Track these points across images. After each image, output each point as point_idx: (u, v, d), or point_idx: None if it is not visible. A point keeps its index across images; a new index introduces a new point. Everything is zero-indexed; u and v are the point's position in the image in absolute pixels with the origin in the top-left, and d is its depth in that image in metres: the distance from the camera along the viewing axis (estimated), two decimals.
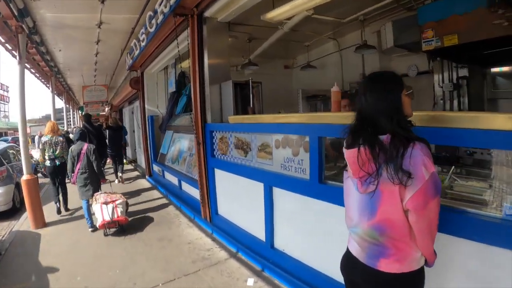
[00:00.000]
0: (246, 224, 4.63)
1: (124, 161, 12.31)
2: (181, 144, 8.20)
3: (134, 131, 14.68)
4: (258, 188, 4.09)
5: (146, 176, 10.55)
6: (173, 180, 8.06)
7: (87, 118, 10.23)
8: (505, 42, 4.17)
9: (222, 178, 5.17)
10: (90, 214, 5.81)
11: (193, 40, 5.39)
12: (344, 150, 1.76)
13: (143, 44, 7.52)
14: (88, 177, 5.89)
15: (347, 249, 1.90)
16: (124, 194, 6.71)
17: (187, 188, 7.00)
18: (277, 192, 3.86)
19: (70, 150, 6.09)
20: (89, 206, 5.85)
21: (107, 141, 10.69)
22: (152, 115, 9.99)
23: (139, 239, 5.35)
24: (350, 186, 1.81)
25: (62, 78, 14.29)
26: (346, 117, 2.97)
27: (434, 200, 1.55)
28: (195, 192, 6.22)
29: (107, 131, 10.77)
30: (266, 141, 3.96)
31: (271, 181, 3.90)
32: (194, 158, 6.72)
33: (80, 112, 22.71)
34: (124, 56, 10.36)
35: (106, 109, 18.12)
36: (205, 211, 5.59)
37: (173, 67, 8.19)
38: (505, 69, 5.15)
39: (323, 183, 3.19)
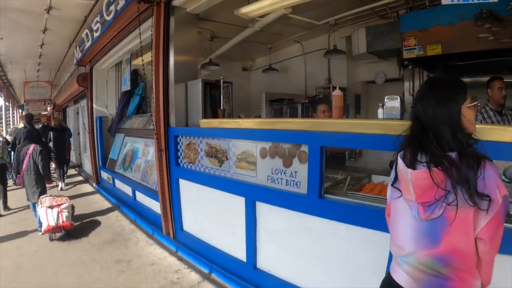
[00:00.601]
0: (220, 242, 4.05)
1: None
2: (134, 149, 7.42)
3: (78, 134, 13.50)
4: (236, 202, 3.60)
5: (94, 184, 9.54)
6: (126, 189, 7.24)
7: (29, 118, 9.10)
8: (486, 54, 4.43)
9: (189, 189, 4.56)
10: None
11: (158, 32, 4.72)
12: (403, 169, 1.49)
13: (96, 34, 6.70)
14: (34, 179, 5.76)
15: (390, 277, 1.64)
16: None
17: (144, 199, 6.26)
18: (262, 207, 3.38)
19: (16, 150, 6.00)
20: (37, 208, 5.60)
21: (51, 144, 10.02)
22: (100, 116, 9.06)
23: (94, 261, 4.53)
24: (403, 209, 1.56)
25: (2, 72, 12.76)
26: (353, 125, 2.66)
27: (503, 225, 1.41)
28: (154, 205, 5.56)
29: (51, 132, 10.09)
30: (249, 149, 3.48)
31: (255, 195, 3.41)
32: (150, 165, 6.18)
33: (20, 111, 20.73)
34: (72, 49, 9.35)
35: (49, 108, 16.55)
36: (167, 227, 4.90)
37: (128, 63, 7.38)
38: (478, 79, 5.13)
39: (323, 197, 2.82)
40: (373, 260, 2.42)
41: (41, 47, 9.26)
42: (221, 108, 4.66)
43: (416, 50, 4.80)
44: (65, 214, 5.35)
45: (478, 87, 4.51)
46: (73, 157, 13.57)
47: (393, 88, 6.77)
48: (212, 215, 4.18)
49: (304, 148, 2.90)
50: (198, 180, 4.30)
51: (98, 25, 6.44)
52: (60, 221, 5.24)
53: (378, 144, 2.47)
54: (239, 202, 3.56)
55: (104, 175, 8.80)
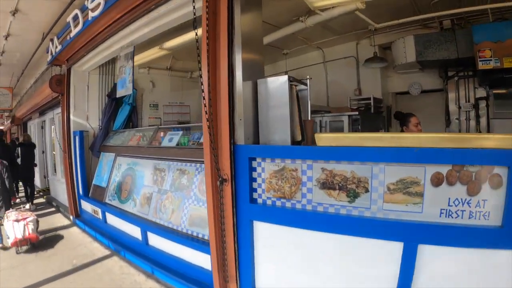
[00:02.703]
0: None
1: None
2: (136, 173, 5.54)
3: (43, 152, 11.21)
4: (381, 249, 2.61)
5: (71, 216, 7.39)
6: (128, 229, 5.35)
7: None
8: None
9: (272, 236, 3.20)
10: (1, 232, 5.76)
11: (215, 11, 3.35)
12: None
13: (94, 14, 4.78)
14: (0, 194, 6.01)
15: None
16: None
17: (164, 244, 4.56)
18: (427, 251, 2.48)
19: None
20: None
21: (18, 160, 9.29)
22: (81, 131, 7.01)
23: None
24: None
25: None
26: None
27: None
28: (188, 255, 4.14)
29: (19, 148, 9.34)
30: (411, 175, 2.51)
31: (419, 236, 2.49)
32: (170, 198, 4.62)
33: None
34: (45, 43, 7.32)
35: (6, 122, 14.01)
36: None
37: (129, 59, 5.49)
38: None
39: None
40: None
41: (6, 39, 7.16)
42: (309, 118, 3.45)
43: (492, 61, 4.98)
44: (30, 226, 5.60)
45: None
46: (37, 180, 11.15)
47: (428, 99, 7.04)
48: (322, 271, 2.92)
49: (498, 170, 2.29)
50: (297, 223, 2.99)
51: (98, 1, 4.58)
52: (27, 233, 5.50)
53: None
54: (386, 249, 2.58)
55: (87, 206, 6.75)
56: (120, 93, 5.72)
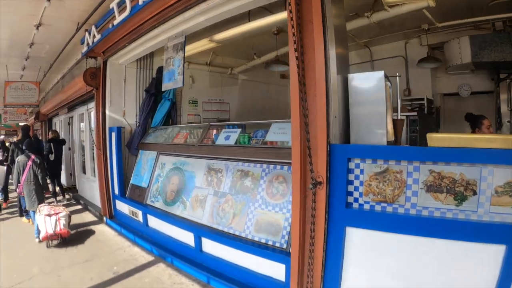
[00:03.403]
0: None
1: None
2: (185, 174, 5.10)
3: (69, 149, 10.88)
4: (480, 255, 2.39)
5: (104, 217, 6.99)
6: (177, 234, 4.91)
7: (26, 130, 8.42)
8: None
9: (369, 243, 2.88)
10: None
11: None
12: None
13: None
14: (33, 189, 6.14)
15: None
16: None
17: (225, 252, 4.14)
18: None
19: (16, 160, 6.28)
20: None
21: (52, 156, 8.92)
22: (119, 127, 6.61)
23: None
24: None
25: None
26: None
27: None
28: (254, 263, 3.75)
29: (51, 144, 8.91)
30: None
31: None
32: (230, 201, 4.24)
33: None
34: (78, 35, 6.97)
35: (29, 118, 13.75)
36: None
37: (179, 50, 5.05)
38: None
39: None
40: None
41: (37, 29, 6.79)
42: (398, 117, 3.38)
43: None
44: (62, 222, 5.57)
45: None
46: (62, 177, 10.80)
47: (476, 101, 6.89)
48: (420, 277, 2.66)
49: None
50: (399, 228, 2.73)
51: None
52: (58, 228, 5.47)
53: None
54: (486, 253, 2.38)
55: (124, 207, 6.34)
56: (167, 86, 5.28)
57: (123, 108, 6.89)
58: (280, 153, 3.87)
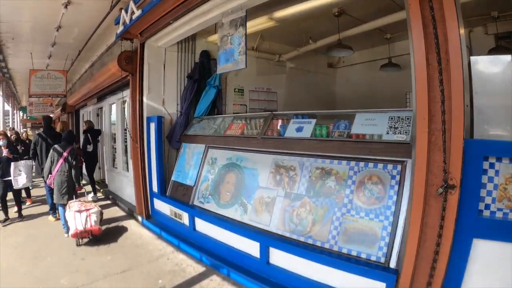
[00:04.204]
0: None
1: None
2: (246, 171, 4.34)
3: (98, 141, 10.19)
4: None
5: (140, 217, 6.28)
6: (235, 241, 4.17)
7: (47, 120, 7.47)
8: None
9: (497, 258, 2.32)
10: (66, 220, 5.40)
11: None
12: None
13: None
14: (66, 181, 5.67)
15: None
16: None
17: (299, 266, 3.41)
18: None
19: (52, 149, 5.79)
20: (65, 212, 5.51)
21: (90, 147, 8.44)
22: (159, 116, 5.85)
23: None
24: None
25: (1, 55, 9.47)
26: None
27: None
28: (340, 280, 3.10)
29: (88, 134, 8.38)
30: None
31: None
32: (308, 205, 3.49)
33: (21, 113, 17.20)
34: (112, 16, 6.29)
35: (56, 110, 13.22)
36: None
37: (240, 26, 4.24)
38: None
39: None
40: None
41: (65, 7, 6.16)
42: None
43: None
44: (93, 218, 5.24)
45: None
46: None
47: None
48: None
49: None
50: None
51: None
52: (88, 225, 5.15)
53: None
54: None
55: (164, 207, 5.61)
56: (224, 67, 4.49)
57: (162, 96, 6.15)
58: (374, 148, 3.19)
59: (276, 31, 6.18)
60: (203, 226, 4.70)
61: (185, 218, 5.03)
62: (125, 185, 7.64)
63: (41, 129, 7.68)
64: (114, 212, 7.29)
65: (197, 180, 5.04)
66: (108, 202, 8.17)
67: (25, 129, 14.92)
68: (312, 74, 8.62)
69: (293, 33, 6.75)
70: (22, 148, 7.19)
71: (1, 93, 12.63)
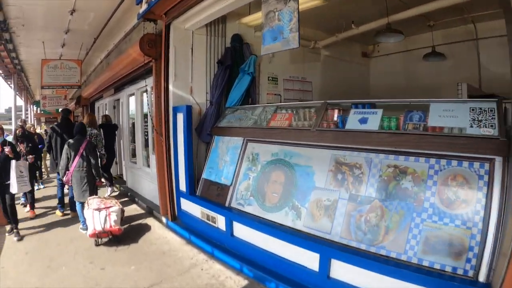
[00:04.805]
0: None
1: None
2: (297, 169, 3.72)
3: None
4: None
5: (163, 218, 5.67)
6: (284, 250, 3.54)
7: (65, 113, 6.90)
8: None
9: None
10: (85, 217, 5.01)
11: None
12: None
13: None
14: (85, 176, 5.28)
15: None
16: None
17: (367, 281, 2.87)
18: None
19: (66, 144, 5.33)
20: (83, 208, 5.17)
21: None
22: (188, 105, 5.21)
23: None
24: None
25: (11, 45, 8.91)
26: None
27: None
28: None
29: (101, 130, 7.65)
30: None
31: None
32: (380, 209, 2.94)
33: (35, 108, 16.72)
34: None
35: (70, 104, 12.71)
36: None
37: (288, 0, 3.59)
38: None
39: None
40: None
41: None
42: None
43: None
44: (113, 217, 4.80)
45: None
46: None
47: None
48: None
49: None
50: None
51: None
52: (108, 225, 4.73)
53: None
54: None
55: (194, 208, 5.00)
56: (269, 48, 3.85)
57: (190, 83, 5.50)
58: (456, 143, 2.73)
59: (313, 15, 5.49)
60: (243, 232, 4.06)
61: (220, 222, 4.39)
62: (146, 182, 7.05)
63: (55, 123, 7.13)
64: (133, 210, 6.75)
65: (234, 179, 4.40)
66: (126, 199, 7.60)
67: (32, 123, 14.33)
68: (347, 63, 7.98)
69: (332, 17, 6.08)
70: (30, 145, 6.24)
71: (12, 86, 12.00)
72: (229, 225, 4.22)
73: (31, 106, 18.72)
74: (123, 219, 5.24)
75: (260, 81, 5.94)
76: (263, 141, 4.23)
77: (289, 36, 3.59)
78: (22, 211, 6.26)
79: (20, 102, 17.82)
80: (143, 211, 6.61)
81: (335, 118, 3.62)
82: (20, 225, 5.48)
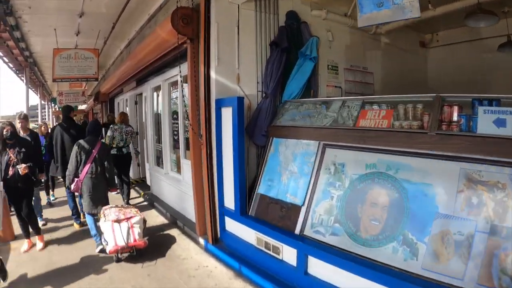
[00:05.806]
0: None
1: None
2: (410, 188, 2.67)
3: (137, 134, 8.72)
4: None
5: (201, 240, 4.58)
6: None
7: (67, 111, 5.92)
8: None
9: None
10: (99, 230, 4.38)
11: None
12: None
13: None
14: (97, 184, 4.54)
15: None
16: None
17: None
18: None
19: (76, 146, 4.54)
20: (95, 221, 4.50)
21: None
22: (240, 97, 4.06)
23: None
24: None
25: (19, 33, 7.89)
26: None
27: None
28: None
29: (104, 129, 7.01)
30: None
31: None
32: None
33: (53, 104, 15.97)
34: None
35: (88, 101, 11.79)
36: None
37: None
38: None
39: None
40: None
41: None
42: None
43: None
44: (136, 231, 4.23)
45: None
46: None
47: None
48: None
49: None
50: None
51: None
52: (131, 239, 4.13)
53: None
54: None
55: (244, 232, 3.92)
56: (372, 17, 2.76)
57: (236, 70, 4.37)
58: None
59: None
60: (323, 271, 2.95)
61: (287, 254, 3.29)
62: (174, 190, 5.98)
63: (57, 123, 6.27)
64: (158, 220, 5.83)
65: (307, 197, 3.27)
66: (145, 203, 6.81)
67: (43, 121, 13.41)
68: (406, 53, 6.91)
69: None
70: (22, 150, 4.47)
71: (25, 81, 10.99)
72: (303, 260, 3.10)
73: (49, 103, 17.98)
74: (145, 229, 4.60)
75: (319, 70, 4.79)
76: (351, 147, 3.08)
77: (404, 2, 2.43)
78: None
79: (36, 99, 17.09)
80: (167, 221, 5.76)
81: (455, 118, 2.48)
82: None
